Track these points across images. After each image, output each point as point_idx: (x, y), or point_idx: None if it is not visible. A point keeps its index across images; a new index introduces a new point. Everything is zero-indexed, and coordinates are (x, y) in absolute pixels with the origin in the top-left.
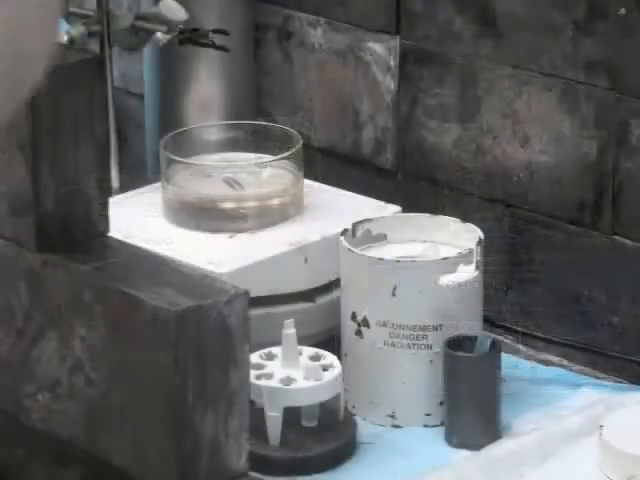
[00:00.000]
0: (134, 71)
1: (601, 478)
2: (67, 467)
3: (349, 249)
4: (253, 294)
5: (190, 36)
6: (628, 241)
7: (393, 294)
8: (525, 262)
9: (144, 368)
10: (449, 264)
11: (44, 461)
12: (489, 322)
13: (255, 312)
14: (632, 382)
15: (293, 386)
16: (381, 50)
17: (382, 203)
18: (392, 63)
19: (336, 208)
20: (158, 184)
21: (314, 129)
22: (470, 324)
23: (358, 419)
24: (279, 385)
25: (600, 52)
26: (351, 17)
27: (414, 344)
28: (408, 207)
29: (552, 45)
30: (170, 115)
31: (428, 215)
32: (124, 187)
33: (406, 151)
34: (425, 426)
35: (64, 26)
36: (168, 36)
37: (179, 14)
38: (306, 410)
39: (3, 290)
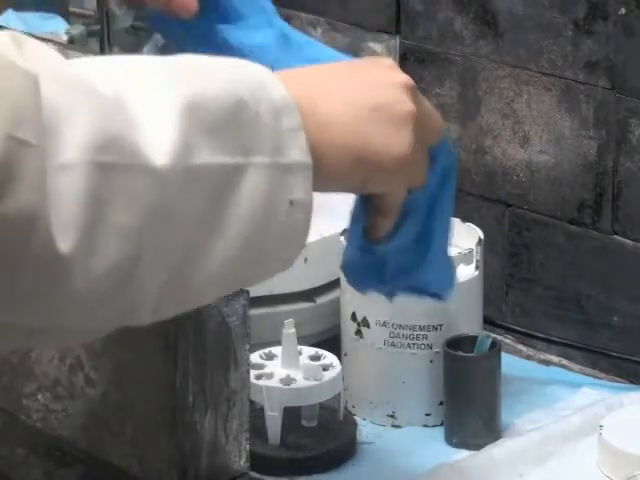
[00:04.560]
0: None
1: (601, 478)
2: (67, 467)
3: None
4: (253, 294)
5: None
6: (628, 241)
7: None
8: (525, 262)
9: (144, 368)
10: None
11: (44, 461)
12: (489, 322)
13: (255, 312)
14: (632, 382)
15: (293, 386)
16: (381, 50)
17: None
18: None
19: (336, 208)
20: None
21: None
22: (470, 324)
23: (358, 419)
24: (279, 385)
25: (600, 52)
26: (351, 17)
27: (414, 344)
28: None
29: (552, 45)
30: None
31: None
32: None
33: None
34: (425, 426)
35: (64, 26)
36: None
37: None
38: (306, 410)
39: None
